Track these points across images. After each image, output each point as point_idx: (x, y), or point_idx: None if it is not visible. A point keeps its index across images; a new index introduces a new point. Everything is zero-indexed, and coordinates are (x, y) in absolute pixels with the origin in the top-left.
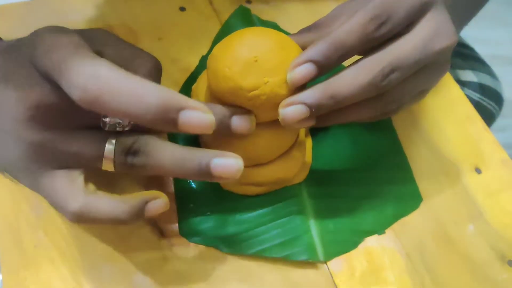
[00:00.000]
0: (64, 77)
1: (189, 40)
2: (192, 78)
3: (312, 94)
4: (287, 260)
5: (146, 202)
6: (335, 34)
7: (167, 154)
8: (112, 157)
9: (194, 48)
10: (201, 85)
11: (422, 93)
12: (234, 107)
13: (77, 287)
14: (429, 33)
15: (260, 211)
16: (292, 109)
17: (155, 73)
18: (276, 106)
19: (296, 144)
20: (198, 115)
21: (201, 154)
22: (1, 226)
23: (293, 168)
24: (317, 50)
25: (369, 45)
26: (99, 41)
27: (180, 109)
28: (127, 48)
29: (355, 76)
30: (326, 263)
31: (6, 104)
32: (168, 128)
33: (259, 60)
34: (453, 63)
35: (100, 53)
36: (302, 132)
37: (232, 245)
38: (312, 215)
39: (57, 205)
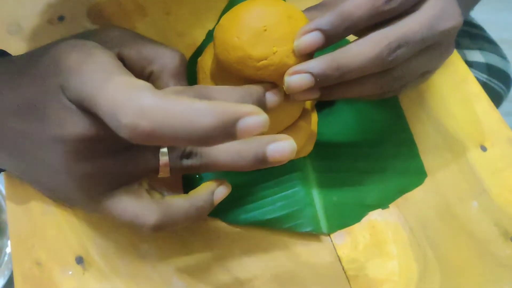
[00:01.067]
0: (107, 115)
1: (196, 15)
2: (198, 52)
3: (318, 64)
4: (290, 232)
5: (213, 193)
6: (344, 5)
7: (221, 151)
8: (168, 164)
9: (200, 23)
10: (206, 58)
11: (425, 74)
12: (261, 82)
13: (85, 255)
14: (436, 13)
15: (265, 184)
16: (297, 77)
17: (182, 70)
18: (283, 76)
19: (303, 115)
20: (254, 120)
21: (256, 144)
22: (9, 194)
23: (300, 139)
24: (325, 19)
25: (377, 19)
26: (117, 42)
27: (237, 120)
28: (147, 45)
29: (362, 49)
30: (329, 235)
31: (47, 143)
32: (226, 141)
33: (268, 30)
34: (460, 43)
35: (119, 56)
36: (309, 103)
37: (236, 216)
38: (316, 188)
39: (133, 224)
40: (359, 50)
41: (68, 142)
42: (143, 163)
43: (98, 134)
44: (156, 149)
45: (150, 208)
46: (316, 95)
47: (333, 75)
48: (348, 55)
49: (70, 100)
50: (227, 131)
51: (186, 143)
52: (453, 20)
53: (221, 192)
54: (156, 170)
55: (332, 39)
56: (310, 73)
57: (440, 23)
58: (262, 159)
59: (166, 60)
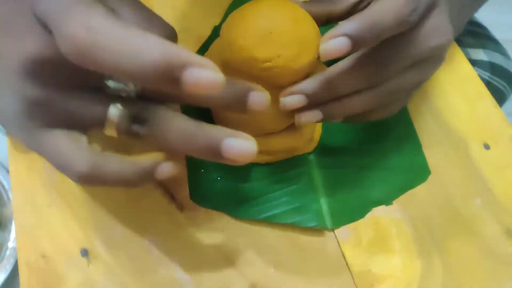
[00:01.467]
0: (55, 26)
1: (202, 10)
2: (204, 48)
3: (310, 85)
4: (295, 227)
5: (157, 164)
6: (373, 12)
7: (175, 127)
8: (116, 122)
9: (206, 18)
10: (212, 54)
11: (416, 86)
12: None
13: (90, 247)
14: (430, 30)
15: (270, 179)
16: (292, 98)
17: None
18: (289, 77)
19: None
20: (206, 73)
21: (213, 132)
22: (15, 185)
23: (303, 137)
24: (355, 25)
25: (400, 30)
26: None
27: (185, 66)
28: (144, 9)
29: (352, 65)
30: (333, 231)
31: (3, 54)
32: (170, 88)
33: (273, 33)
34: (463, 41)
35: (115, 13)
36: None
37: (241, 210)
38: (320, 184)
39: (61, 166)
40: (349, 68)
41: (21, 56)
42: (90, 109)
43: (53, 57)
44: (107, 103)
45: (84, 155)
46: (318, 116)
47: (324, 92)
48: (337, 69)
49: (37, 18)
50: (171, 74)
51: (124, 73)
52: (444, 37)
53: (166, 168)
54: (102, 122)
55: (358, 47)
56: (304, 94)
57: (431, 40)
58: (215, 151)
59: (156, 27)
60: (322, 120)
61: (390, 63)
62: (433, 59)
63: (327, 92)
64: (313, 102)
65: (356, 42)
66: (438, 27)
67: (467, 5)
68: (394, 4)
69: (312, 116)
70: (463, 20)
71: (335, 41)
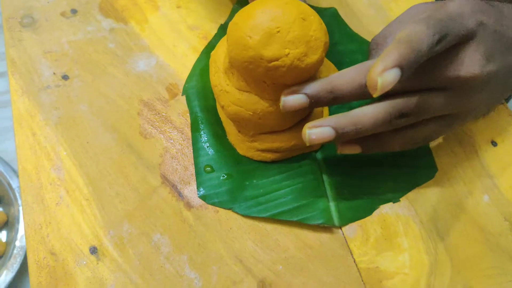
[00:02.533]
0: None
1: (207, 9)
2: (211, 46)
3: (312, 86)
4: (302, 224)
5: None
6: (406, 37)
7: None
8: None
9: (212, 16)
10: (219, 52)
11: (446, 119)
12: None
13: (98, 245)
14: (449, 61)
15: (276, 177)
16: (292, 98)
17: None
18: (295, 77)
19: (313, 111)
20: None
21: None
22: (24, 184)
23: None
24: (403, 55)
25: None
26: None
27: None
28: None
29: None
30: (341, 228)
31: None
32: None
33: (281, 31)
34: None
35: None
36: None
37: (248, 208)
38: (328, 181)
39: None
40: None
41: None
42: None
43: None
44: None
45: None
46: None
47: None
48: (341, 79)
49: None
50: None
51: None
52: (464, 71)
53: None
54: None
55: (405, 74)
56: (306, 94)
57: (448, 69)
58: None
59: None
60: (336, 138)
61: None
62: (459, 92)
63: (329, 94)
64: (315, 104)
65: (405, 73)
66: (461, 59)
67: None
68: (421, 32)
69: (323, 134)
70: None
71: (390, 73)
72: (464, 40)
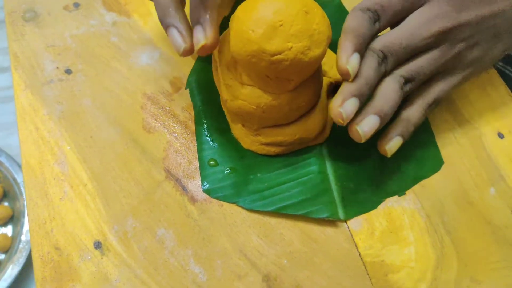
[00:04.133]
0: None
1: None
2: None
3: (350, 85)
4: (307, 218)
5: None
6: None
7: None
8: None
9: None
10: (222, 45)
11: (444, 74)
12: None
13: (103, 240)
14: (421, 20)
15: (281, 170)
16: (348, 104)
17: None
18: (298, 71)
19: (318, 105)
20: None
21: None
22: (27, 179)
23: (314, 128)
24: (355, 43)
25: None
26: None
27: None
28: None
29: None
30: (346, 222)
31: None
32: None
33: (284, 24)
34: None
35: None
36: (324, 93)
37: (253, 201)
38: (332, 175)
39: None
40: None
41: None
42: None
43: None
44: None
45: None
46: (376, 120)
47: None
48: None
49: None
50: None
51: None
52: (438, 25)
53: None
54: None
55: (362, 99)
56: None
57: (424, 28)
58: None
59: None
60: (381, 123)
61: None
62: (444, 44)
63: (366, 85)
64: (362, 101)
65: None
66: (435, 14)
67: None
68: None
69: (373, 123)
70: None
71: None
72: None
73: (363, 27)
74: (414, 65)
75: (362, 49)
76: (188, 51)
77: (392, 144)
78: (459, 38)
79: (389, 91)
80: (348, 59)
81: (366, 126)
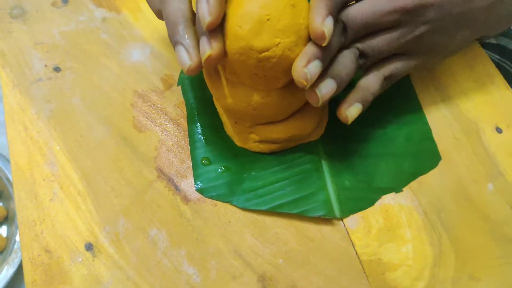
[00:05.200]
0: None
1: None
2: None
3: (314, 49)
4: (302, 216)
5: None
6: None
7: None
8: None
9: None
10: None
11: (403, 56)
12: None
13: (94, 241)
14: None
15: (275, 168)
16: (312, 66)
17: None
18: (285, 69)
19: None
20: None
21: None
22: (16, 180)
23: (308, 125)
24: (329, 5)
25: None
26: None
27: None
28: None
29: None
30: (342, 220)
31: None
32: None
33: (271, 19)
34: None
35: None
36: None
37: (247, 200)
38: (328, 172)
39: None
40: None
41: None
42: None
43: None
44: None
45: None
46: (333, 84)
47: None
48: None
49: None
50: None
51: None
52: (400, 2)
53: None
54: None
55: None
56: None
57: (387, 4)
58: None
59: None
60: (337, 90)
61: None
62: (404, 26)
63: (326, 51)
64: (323, 66)
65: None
66: None
67: None
68: None
69: (331, 87)
70: None
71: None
72: None
73: None
74: (371, 42)
75: (335, 14)
76: (194, 69)
77: (352, 110)
78: (422, 19)
79: (345, 60)
80: (324, 21)
81: (324, 89)
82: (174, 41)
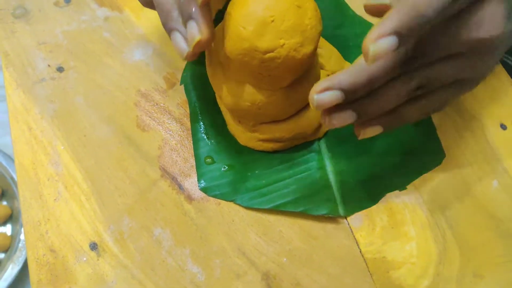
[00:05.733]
0: None
1: None
2: None
3: (346, 77)
4: (306, 215)
5: None
6: (414, 3)
7: None
8: None
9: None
10: (215, 41)
11: (460, 83)
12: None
13: (98, 241)
14: (475, 21)
15: (279, 167)
16: (383, 42)
17: None
18: (290, 69)
19: None
20: None
21: None
22: (21, 180)
23: (311, 123)
24: (399, 21)
25: (445, 16)
26: None
27: None
28: None
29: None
30: (346, 218)
31: None
32: None
33: (275, 20)
34: None
35: None
36: None
37: (251, 199)
38: (332, 170)
39: None
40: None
41: None
42: None
43: None
44: None
45: None
46: (352, 117)
47: (365, 87)
48: (379, 67)
49: None
50: None
51: None
52: (492, 31)
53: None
54: None
55: (404, 42)
56: (342, 89)
57: (473, 33)
58: None
59: None
60: (357, 120)
61: (423, 50)
62: (477, 54)
63: (366, 86)
64: (350, 98)
65: (403, 38)
66: (483, 20)
67: None
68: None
69: (345, 118)
70: None
71: (383, 41)
72: None
73: (432, 6)
74: (433, 71)
75: (408, 38)
76: (192, 55)
77: (368, 131)
78: (496, 47)
79: (390, 96)
80: (378, 40)
81: (336, 120)
82: (168, 28)
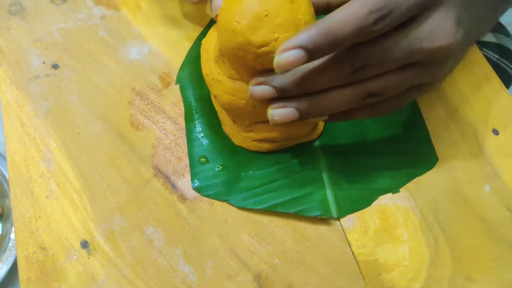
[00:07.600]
0: None
1: None
2: (205, 33)
3: (279, 77)
4: (299, 216)
5: None
6: (329, 21)
7: None
8: None
9: (207, 3)
10: (210, 40)
11: (420, 87)
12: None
13: (89, 239)
14: (424, 32)
15: (273, 168)
16: (288, 54)
17: None
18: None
19: None
20: None
21: None
22: (12, 176)
23: (306, 125)
24: (309, 37)
25: (364, 38)
26: None
27: None
28: None
29: (328, 62)
30: (339, 220)
31: None
32: None
33: (269, 14)
34: None
35: None
36: None
37: (244, 199)
38: (325, 172)
39: None
40: (323, 65)
41: None
42: None
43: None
44: None
45: None
46: (293, 115)
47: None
48: (312, 71)
49: None
50: None
51: None
52: (443, 39)
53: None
54: None
55: (314, 57)
56: (273, 86)
57: (423, 43)
58: None
59: None
60: (300, 119)
61: (372, 62)
62: (433, 62)
63: (298, 88)
64: (282, 95)
65: (311, 53)
66: (434, 29)
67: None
68: (353, 13)
69: (287, 115)
70: (494, 17)
71: (288, 54)
72: (432, 6)
73: (350, 26)
74: (386, 81)
75: (319, 53)
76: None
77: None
78: (451, 53)
79: (336, 99)
80: (284, 52)
81: (277, 115)
82: None
